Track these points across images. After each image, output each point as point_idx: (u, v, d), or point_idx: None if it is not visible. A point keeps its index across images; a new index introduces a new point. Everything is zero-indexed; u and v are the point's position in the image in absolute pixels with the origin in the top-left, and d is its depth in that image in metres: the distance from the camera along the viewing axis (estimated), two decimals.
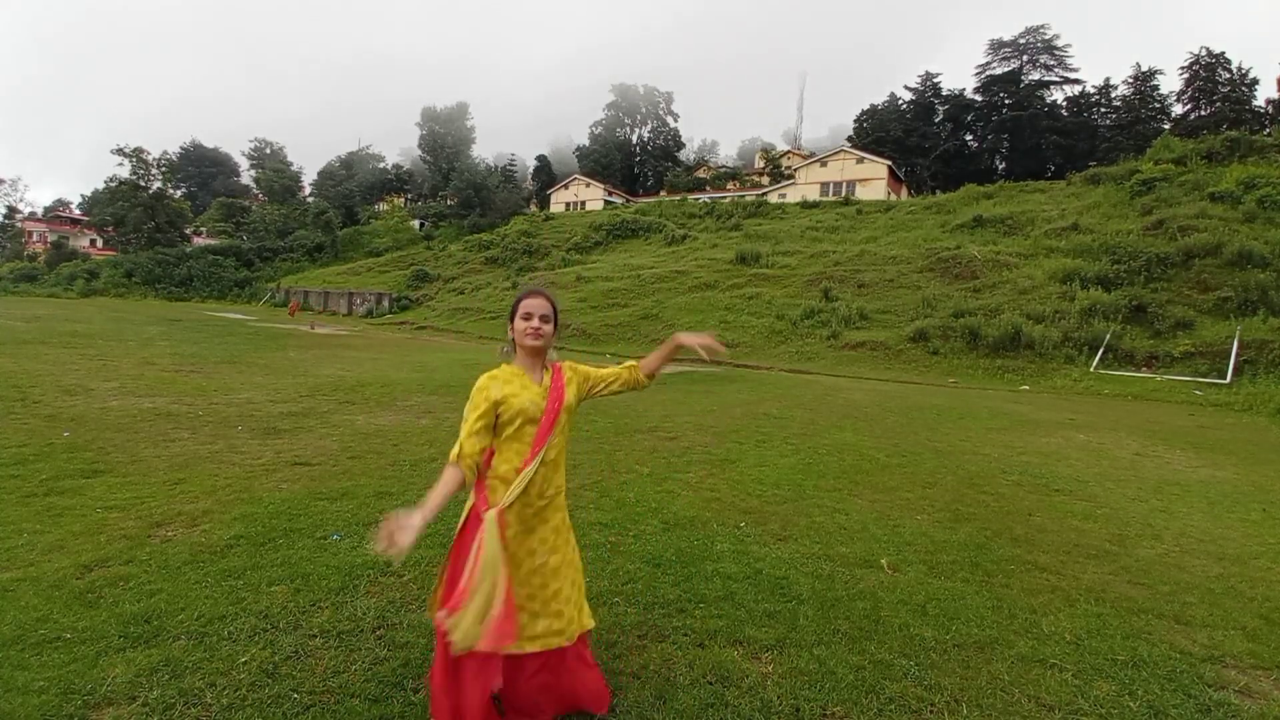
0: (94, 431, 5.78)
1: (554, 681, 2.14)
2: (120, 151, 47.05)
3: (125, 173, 47.95)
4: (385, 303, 35.55)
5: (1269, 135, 29.68)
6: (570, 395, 2.16)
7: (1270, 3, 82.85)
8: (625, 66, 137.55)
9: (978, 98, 54.09)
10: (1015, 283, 21.18)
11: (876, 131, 53.88)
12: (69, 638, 2.46)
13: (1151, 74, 49.55)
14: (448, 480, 1.95)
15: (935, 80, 56.45)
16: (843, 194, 41.59)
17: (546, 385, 2.13)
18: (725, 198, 47.07)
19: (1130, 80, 50.40)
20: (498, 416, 2.05)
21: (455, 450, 1.99)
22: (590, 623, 2.24)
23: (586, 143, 68.99)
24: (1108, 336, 17.11)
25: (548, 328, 2.12)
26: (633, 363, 2.36)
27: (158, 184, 49.79)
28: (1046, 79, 52.50)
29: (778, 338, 21.23)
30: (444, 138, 60.38)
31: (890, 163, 44.16)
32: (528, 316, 2.10)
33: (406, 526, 1.78)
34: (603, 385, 2.28)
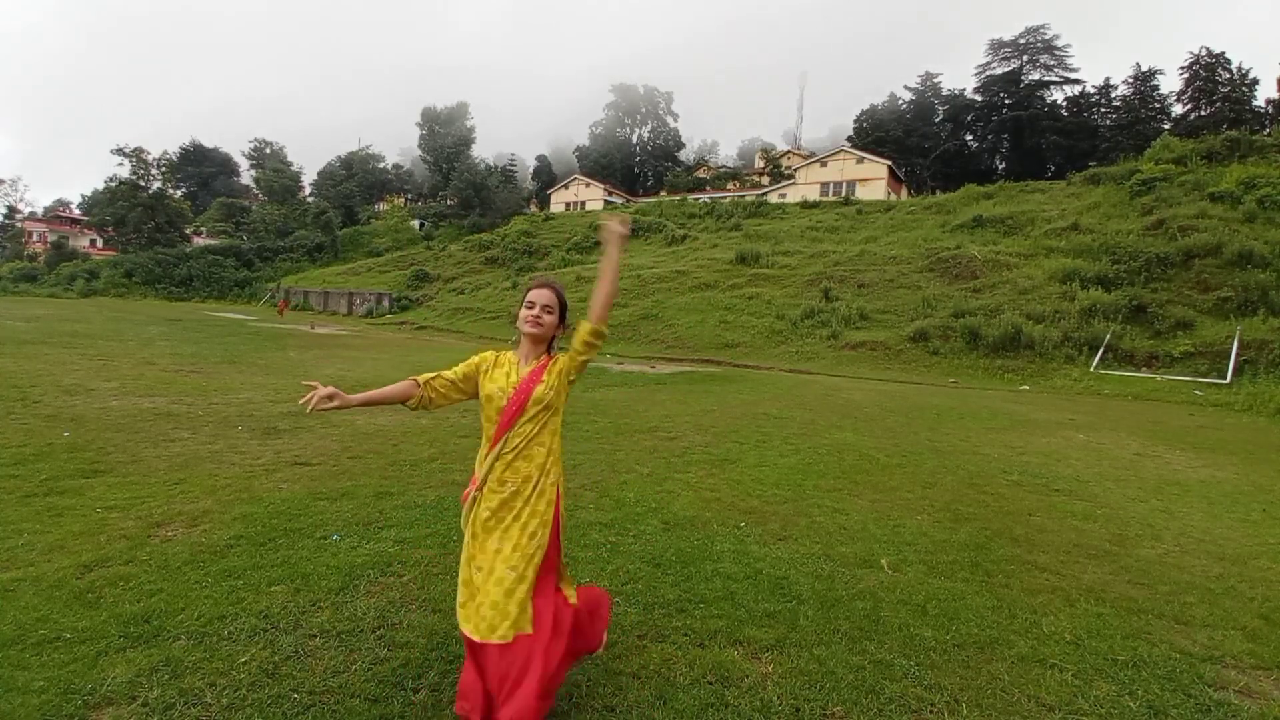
0: (94, 431, 5.78)
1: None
2: (120, 151, 47.11)
3: (125, 173, 48.04)
4: (385, 303, 35.55)
5: (1269, 135, 29.67)
6: (542, 387, 2.10)
7: (1270, 3, 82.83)
8: (625, 67, 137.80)
9: (978, 98, 54.13)
10: (1015, 283, 21.19)
11: (876, 131, 53.90)
12: (69, 638, 2.46)
13: (1151, 74, 49.61)
14: (399, 384, 2.19)
15: (935, 80, 56.53)
16: (843, 194, 41.60)
17: (526, 370, 2.15)
18: (725, 198, 47.12)
19: (1130, 80, 50.49)
20: (479, 389, 2.19)
21: (428, 374, 2.20)
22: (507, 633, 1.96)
23: (586, 143, 69.05)
24: (1108, 336, 17.11)
25: (548, 318, 2.16)
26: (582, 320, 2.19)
27: (157, 184, 49.85)
28: (1046, 79, 52.54)
29: (778, 338, 21.23)
30: (444, 138, 60.37)
31: (890, 163, 44.16)
32: (530, 305, 2.17)
33: (335, 395, 2.07)
34: (577, 360, 2.17)
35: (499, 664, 1.94)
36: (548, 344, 2.23)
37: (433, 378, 2.19)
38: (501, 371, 2.18)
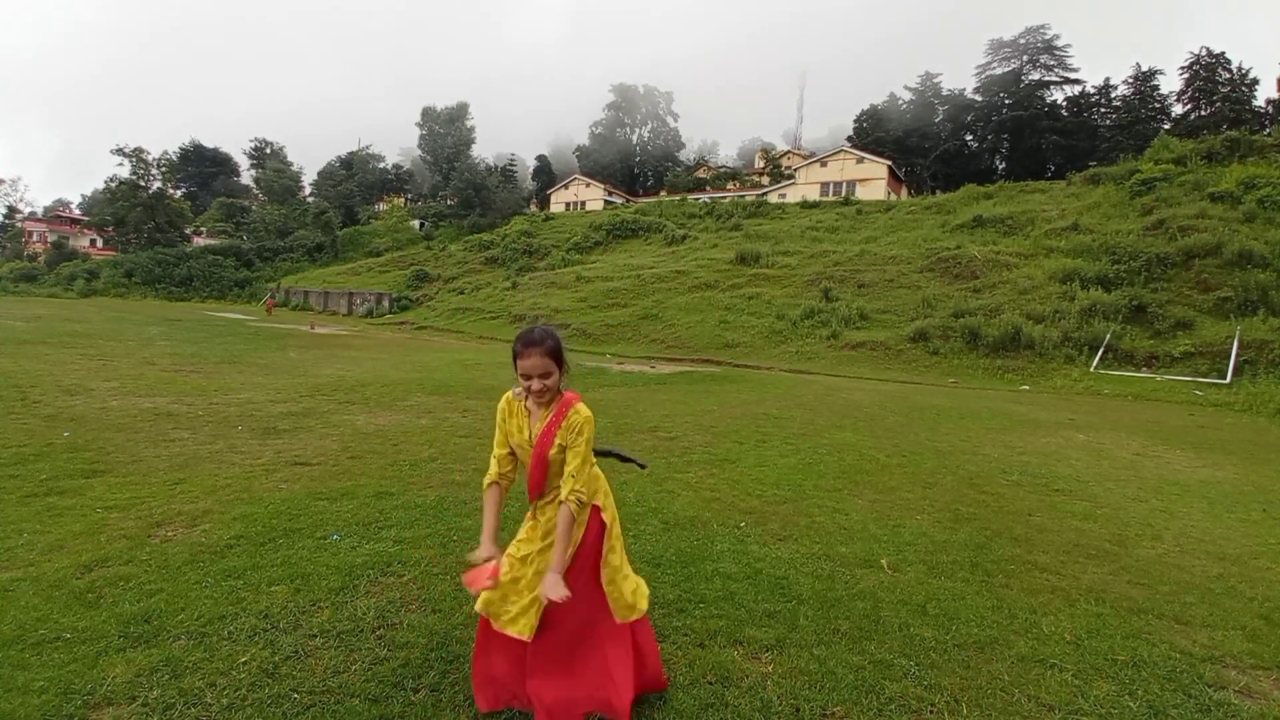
0: (94, 431, 5.78)
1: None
2: (120, 151, 47.12)
3: (125, 173, 48.06)
4: (385, 303, 35.56)
5: (1269, 135, 29.66)
6: (554, 450, 2.09)
7: (1271, 3, 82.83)
8: (626, 68, 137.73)
9: (978, 98, 54.14)
10: (1015, 283, 21.19)
11: (876, 131, 53.89)
12: (69, 638, 2.46)
13: (1151, 74, 49.62)
14: (489, 500, 2.20)
15: (935, 80, 56.51)
16: (843, 194, 41.60)
17: (538, 429, 2.11)
18: (725, 198, 47.10)
19: (1130, 80, 50.50)
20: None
21: (489, 473, 2.22)
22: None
23: (586, 143, 69.07)
24: (1108, 336, 17.11)
25: (548, 381, 2.06)
26: (572, 498, 2.07)
27: (158, 184, 49.86)
28: (1046, 79, 52.58)
29: (778, 338, 21.23)
30: (444, 138, 60.37)
31: (890, 163, 44.19)
32: (526, 377, 2.06)
33: (485, 559, 2.05)
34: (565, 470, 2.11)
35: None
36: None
37: (489, 474, 2.22)
38: (515, 424, 2.17)
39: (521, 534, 2.25)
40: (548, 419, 2.10)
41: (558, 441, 2.08)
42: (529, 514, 2.26)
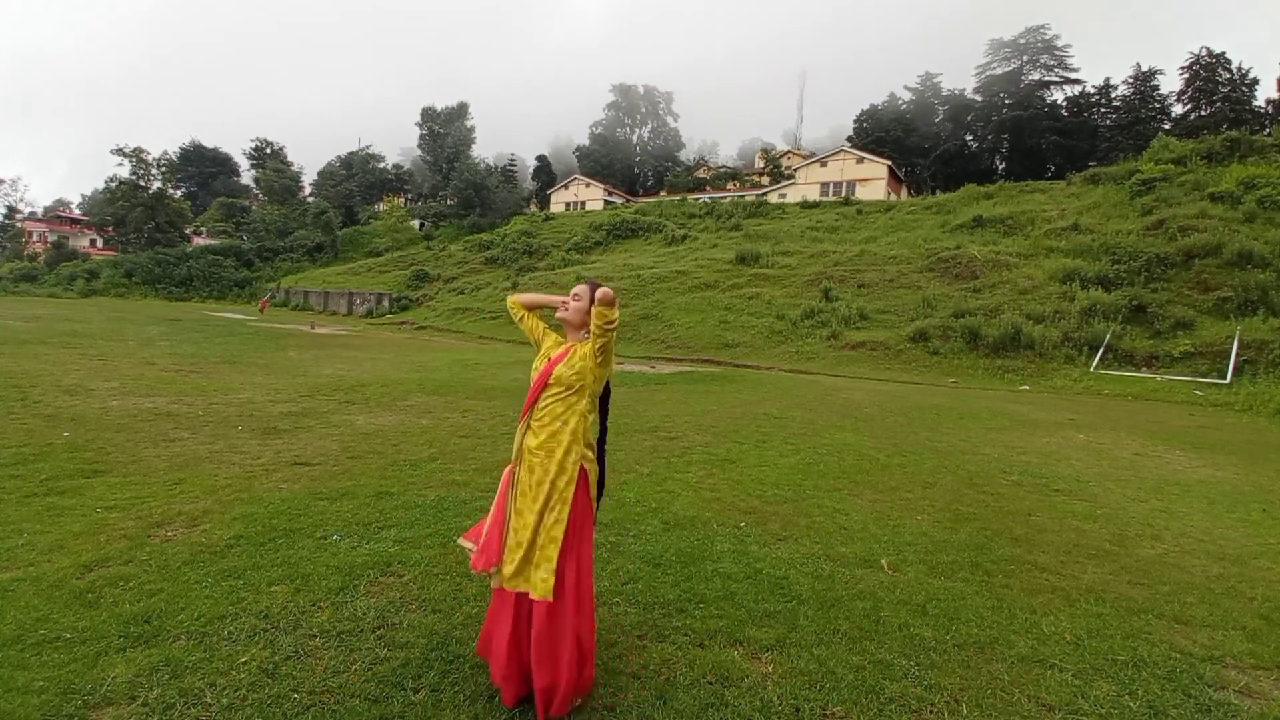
0: (94, 431, 5.78)
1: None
2: (120, 151, 47.11)
3: (125, 173, 48.07)
4: (385, 303, 35.54)
5: (1269, 135, 29.65)
6: (563, 367, 2.27)
7: (1271, 4, 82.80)
8: (627, 67, 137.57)
9: (978, 98, 54.07)
10: (1015, 283, 21.18)
11: (876, 131, 53.83)
12: (69, 638, 2.46)
13: (1151, 74, 49.56)
14: (528, 300, 2.58)
15: (935, 80, 56.48)
16: (843, 194, 41.60)
17: (557, 350, 2.38)
18: (725, 198, 47.08)
19: (1130, 80, 50.41)
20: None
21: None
22: (535, 592, 2.14)
23: (586, 143, 69.07)
24: (1108, 336, 17.11)
25: (575, 304, 2.35)
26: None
27: (158, 184, 49.87)
28: (1046, 79, 52.50)
29: (778, 338, 21.22)
30: (444, 138, 60.36)
31: (890, 163, 44.17)
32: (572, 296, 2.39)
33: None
34: (593, 341, 2.25)
35: (537, 619, 2.13)
36: (584, 329, 2.36)
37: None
38: (544, 350, 2.43)
39: (517, 505, 2.28)
40: (567, 345, 2.38)
41: (568, 362, 2.27)
42: (514, 476, 2.31)
